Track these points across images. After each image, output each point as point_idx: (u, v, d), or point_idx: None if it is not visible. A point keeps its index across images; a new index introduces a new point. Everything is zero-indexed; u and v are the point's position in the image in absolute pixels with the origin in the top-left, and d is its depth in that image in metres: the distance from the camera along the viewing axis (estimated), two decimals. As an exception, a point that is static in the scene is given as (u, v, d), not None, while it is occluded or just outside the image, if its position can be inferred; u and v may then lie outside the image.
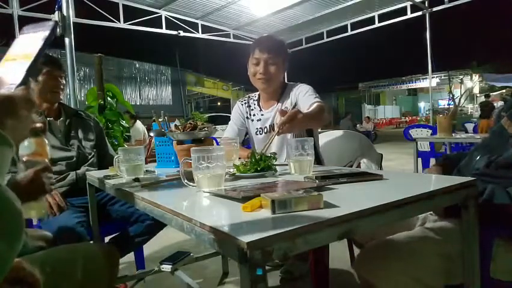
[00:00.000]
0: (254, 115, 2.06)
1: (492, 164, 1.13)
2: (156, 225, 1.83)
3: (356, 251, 1.73)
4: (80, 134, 1.96)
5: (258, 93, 2.10)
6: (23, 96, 0.51)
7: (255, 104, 2.08)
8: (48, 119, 1.87)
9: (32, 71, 0.54)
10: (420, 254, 1.03)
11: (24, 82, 0.53)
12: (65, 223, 1.60)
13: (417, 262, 1.02)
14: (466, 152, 1.38)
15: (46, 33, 0.56)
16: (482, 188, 1.04)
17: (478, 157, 1.22)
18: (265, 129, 2.01)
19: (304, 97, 1.88)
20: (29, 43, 0.56)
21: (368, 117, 18.08)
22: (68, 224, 1.60)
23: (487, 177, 1.09)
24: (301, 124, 1.54)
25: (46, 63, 1.83)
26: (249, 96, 2.15)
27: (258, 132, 2.04)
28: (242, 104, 2.12)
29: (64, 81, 1.93)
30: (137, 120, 6.59)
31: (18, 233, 0.50)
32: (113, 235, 1.87)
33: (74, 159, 1.86)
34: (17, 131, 0.50)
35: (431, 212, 1.21)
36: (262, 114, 2.03)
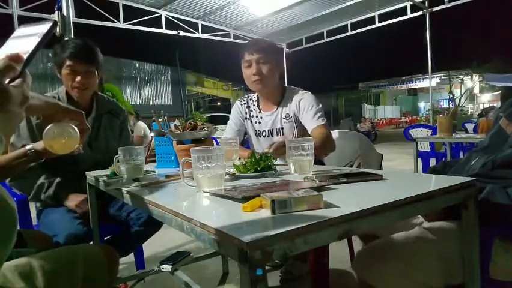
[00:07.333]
0: (253, 116, 2.05)
1: (488, 163, 1.12)
2: (146, 231, 1.80)
3: (357, 249, 1.73)
4: (109, 135, 1.87)
5: (256, 93, 2.09)
6: (17, 91, 0.49)
7: (254, 105, 2.07)
8: None
9: (26, 66, 0.52)
10: (419, 256, 1.03)
11: (20, 73, 0.50)
12: (65, 223, 1.60)
13: (416, 264, 1.02)
14: (451, 161, 1.39)
15: (44, 30, 0.55)
16: (480, 188, 1.04)
17: (477, 158, 1.22)
18: (264, 132, 2.00)
19: (308, 114, 1.86)
20: (28, 35, 0.55)
21: (365, 117, 18.13)
22: (68, 224, 1.60)
23: (483, 178, 1.08)
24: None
25: (70, 55, 1.68)
26: (248, 96, 2.13)
27: (257, 134, 2.03)
28: (241, 104, 2.11)
29: (96, 77, 1.76)
30: (140, 121, 6.63)
31: (11, 231, 0.49)
32: (107, 237, 1.86)
33: (101, 161, 1.75)
34: (5, 126, 0.48)
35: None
36: (261, 117, 2.02)
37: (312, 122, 1.84)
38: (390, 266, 1.00)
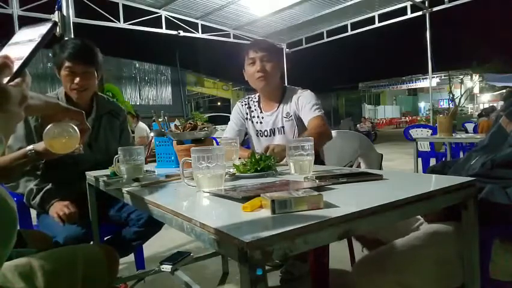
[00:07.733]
0: (254, 117, 2.07)
1: (487, 162, 1.12)
2: (146, 232, 1.79)
3: (357, 249, 1.73)
4: (109, 136, 1.86)
5: (257, 94, 2.11)
6: (16, 91, 0.48)
7: (255, 106, 2.09)
8: None
9: (26, 65, 0.51)
10: (417, 263, 1.03)
11: (19, 73, 0.50)
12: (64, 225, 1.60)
13: (415, 272, 1.01)
14: (450, 161, 1.39)
15: (43, 31, 0.55)
16: (479, 188, 1.04)
17: (476, 157, 1.22)
18: (266, 132, 2.03)
19: (306, 108, 1.89)
20: (28, 36, 0.55)
21: (364, 117, 18.16)
22: (67, 225, 1.59)
23: (483, 177, 1.08)
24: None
25: (68, 56, 1.66)
26: (249, 97, 2.16)
27: (258, 134, 2.05)
28: (242, 105, 2.13)
29: (95, 78, 1.74)
30: (140, 121, 6.63)
31: (11, 230, 0.49)
32: (107, 237, 1.86)
33: (101, 161, 1.73)
34: (5, 126, 0.48)
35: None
36: (262, 117, 2.04)
37: (309, 114, 1.87)
38: (389, 275, 0.99)
